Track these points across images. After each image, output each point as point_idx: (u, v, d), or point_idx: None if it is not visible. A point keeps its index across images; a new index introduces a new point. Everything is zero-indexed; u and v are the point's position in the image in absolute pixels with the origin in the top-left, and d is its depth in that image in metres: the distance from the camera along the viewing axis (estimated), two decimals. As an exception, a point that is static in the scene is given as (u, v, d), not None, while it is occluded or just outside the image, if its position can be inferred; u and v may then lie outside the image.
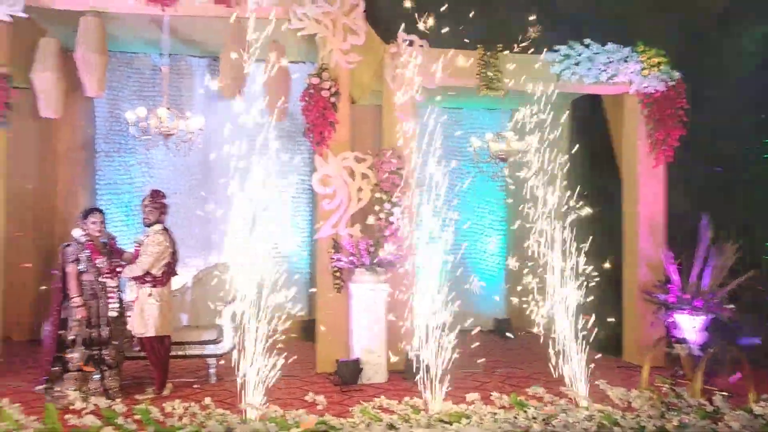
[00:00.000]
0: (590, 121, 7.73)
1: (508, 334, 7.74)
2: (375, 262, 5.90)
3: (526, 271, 5.01)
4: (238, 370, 3.92)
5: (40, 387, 4.92)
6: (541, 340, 4.64)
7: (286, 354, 4.14)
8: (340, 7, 6.12)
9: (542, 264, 4.86)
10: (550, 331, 4.71)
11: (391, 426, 3.34)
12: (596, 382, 4.48)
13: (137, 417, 3.33)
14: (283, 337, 4.21)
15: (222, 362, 5.64)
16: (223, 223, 7.76)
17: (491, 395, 4.12)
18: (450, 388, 4.26)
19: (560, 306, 4.70)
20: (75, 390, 4.71)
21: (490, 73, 6.54)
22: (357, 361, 5.76)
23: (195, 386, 5.48)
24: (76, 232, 5.05)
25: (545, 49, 6.57)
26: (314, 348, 6.23)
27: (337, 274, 6.12)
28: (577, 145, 6.38)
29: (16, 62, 5.92)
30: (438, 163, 4.95)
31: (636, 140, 6.97)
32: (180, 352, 5.57)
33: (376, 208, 6.17)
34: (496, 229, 9.12)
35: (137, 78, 7.85)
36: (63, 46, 6.26)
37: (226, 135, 6.46)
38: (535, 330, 4.67)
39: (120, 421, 3.20)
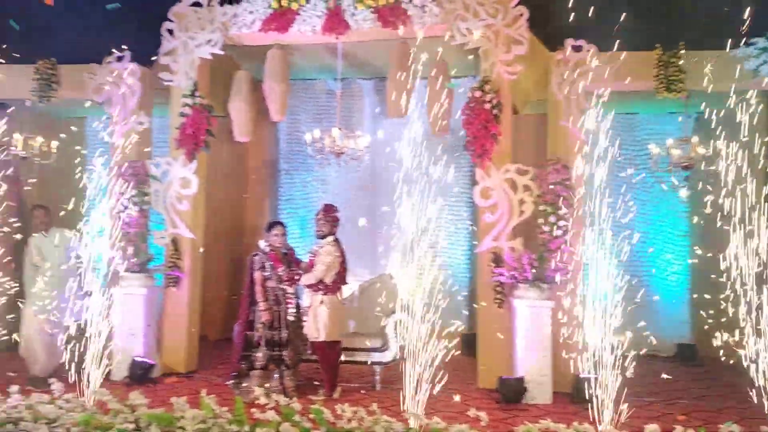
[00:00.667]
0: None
1: (692, 362, 6.93)
2: (539, 277, 5.69)
3: (721, 295, 4.44)
4: (403, 379, 4.03)
5: (230, 382, 5.54)
6: (740, 371, 4.07)
7: (446, 367, 4.17)
8: (503, 18, 6.06)
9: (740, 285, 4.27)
10: (751, 360, 4.12)
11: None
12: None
13: (312, 416, 3.58)
14: (445, 349, 4.24)
15: (385, 369, 5.83)
16: (388, 236, 8.09)
17: (674, 429, 3.71)
18: (625, 418, 3.93)
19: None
20: (258, 386, 5.22)
21: (669, 74, 5.97)
22: (521, 380, 5.58)
23: (362, 391, 5.74)
24: (261, 243, 5.62)
25: (730, 42, 5.83)
26: (474, 362, 6.16)
27: (499, 288, 6.00)
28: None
29: (214, 94, 6.80)
30: (610, 172, 4.64)
31: None
32: (348, 358, 5.87)
33: (540, 220, 5.95)
34: (678, 244, 8.24)
35: (314, 102, 8.54)
36: (254, 77, 7.05)
37: (392, 152, 6.78)
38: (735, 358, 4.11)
39: (297, 418, 3.46)
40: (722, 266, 4.37)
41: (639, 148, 7.93)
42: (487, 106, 5.96)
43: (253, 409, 3.65)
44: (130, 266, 6.08)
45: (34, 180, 7.03)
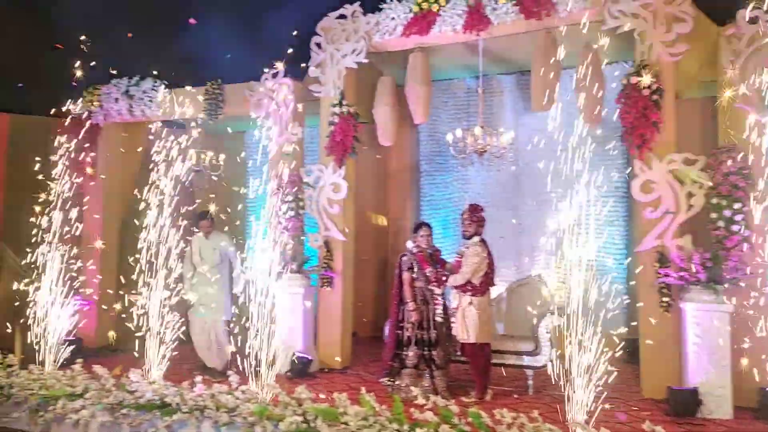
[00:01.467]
0: None
1: None
2: (713, 278, 5.11)
3: None
4: (561, 384, 3.85)
5: (383, 378, 5.68)
6: None
7: (608, 375, 3.89)
8: (662, -4, 5.55)
9: None
10: None
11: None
12: None
13: (470, 420, 3.53)
14: (607, 356, 3.97)
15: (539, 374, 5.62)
16: (535, 235, 7.81)
17: None
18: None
19: None
20: (411, 385, 5.30)
21: None
22: (695, 392, 5.05)
23: (514, 396, 5.58)
24: (409, 244, 5.70)
25: None
26: (637, 370, 5.71)
27: (665, 291, 5.49)
28: None
29: (359, 101, 7.05)
30: None
31: None
32: (498, 361, 5.75)
33: (713, 215, 5.34)
34: None
35: (454, 102, 8.51)
36: (396, 82, 7.21)
37: (536, 147, 6.53)
38: None
39: (455, 420, 3.45)
40: None
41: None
42: (646, 92, 5.49)
43: (412, 409, 3.69)
44: (290, 267, 6.50)
45: (206, 188, 7.80)
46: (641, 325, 5.71)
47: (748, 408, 5.02)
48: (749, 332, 5.13)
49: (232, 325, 6.23)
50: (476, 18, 6.07)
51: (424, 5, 6.30)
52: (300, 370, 6.28)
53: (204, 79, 7.50)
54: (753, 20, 5.43)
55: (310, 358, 6.42)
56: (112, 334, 7.84)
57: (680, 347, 5.37)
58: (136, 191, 5.50)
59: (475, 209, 5.62)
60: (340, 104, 6.69)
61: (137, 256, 5.27)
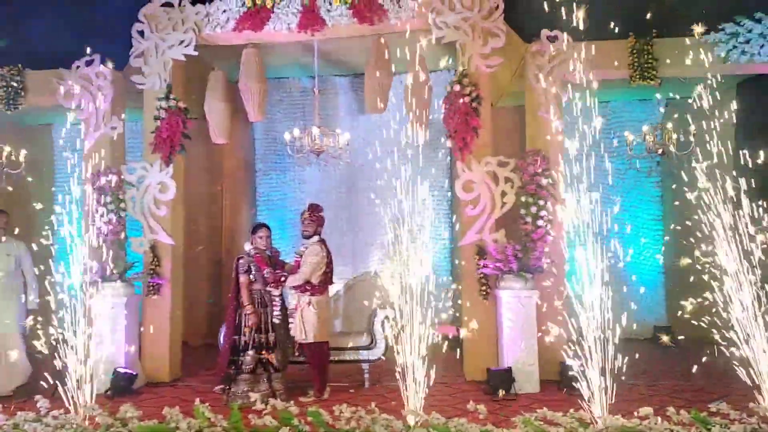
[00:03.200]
0: (763, 105, 6.88)
1: (668, 341, 7.11)
2: (523, 267, 5.75)
3: (692, 278, 4.58)
4: (397, 376, 4.04)
5: (218, 387, 5.45)
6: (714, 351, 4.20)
7: (435, 361, 4.17)
8: (479, 11, 6.09)
9: (712, 266, 4.40)
10: (726, 339, 4.25)
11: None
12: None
13: (309, 419, 3.54)
14: (435, 342, 4.25)
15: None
16: (370, 232, 8.08)
17: (667, 411, 3.78)
18: (611, 401, 4.00)
19: (738, 310, 4.21)
20: (246, 390, 5.16)
21: (643, 62, 6.09)
22: (509, 370, 5.64)
23: (350, 390, 5.72)
24: (247, 246, 5.53)
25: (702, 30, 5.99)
26: (458, 355, 6.18)
27: (483, 280, 6.05)
28: (746, 133, 5.72)
29: (189, 96, 6.66)
30: (587, 161, 4.70)
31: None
32: (336, 358, 5.85)
33: (522, 211, 6.01)
34: (653, 229, 8.44)
35: (289, 100, 8.46)
36: (228, 78, 6.93)
37: (369, 148, 6.76)
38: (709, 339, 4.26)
39: (295, 422, 3.42)
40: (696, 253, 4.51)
41: (612, 135, 8.08)
42: (467, 99, 5.98)
43: (250, 415, 3.59)
44: (108, 275, 5.92)
45: (6, 187, 6.80)
46: (463, 313, 6.21)
47: (552, 381, 5.72)
48: (552, 314, 5.85)
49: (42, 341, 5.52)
50: (311, 18, 6.09)
51: (258, 0, 6.15)
52: (123, 388, 5.74)
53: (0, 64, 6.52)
54: (553, 39, 6.20)
55: (133, 372, 5.90)
56: None
57: (497, 331, 5.94)
58: None
59: (315, 208, 5.63)
60: (167, 98, 6.25)
61: None
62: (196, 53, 6.38)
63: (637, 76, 6.14)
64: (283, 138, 6.69)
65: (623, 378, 4.20)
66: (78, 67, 6.43)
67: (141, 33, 6.41)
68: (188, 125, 6.36)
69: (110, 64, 6.42)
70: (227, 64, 6.91)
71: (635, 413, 3.78)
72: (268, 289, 5.43)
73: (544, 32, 6.17)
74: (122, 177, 6.26)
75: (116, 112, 6.48)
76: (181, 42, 6.32)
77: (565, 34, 6.13)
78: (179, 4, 6.39)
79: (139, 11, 6.38)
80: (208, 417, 3.56)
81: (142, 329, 6.29)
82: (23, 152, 6.35)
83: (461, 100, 5.98)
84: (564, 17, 5.48)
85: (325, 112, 8.29)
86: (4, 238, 5.75)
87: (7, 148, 6.21)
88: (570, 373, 4.55)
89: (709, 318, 4.52)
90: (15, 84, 6.46)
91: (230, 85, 6.88)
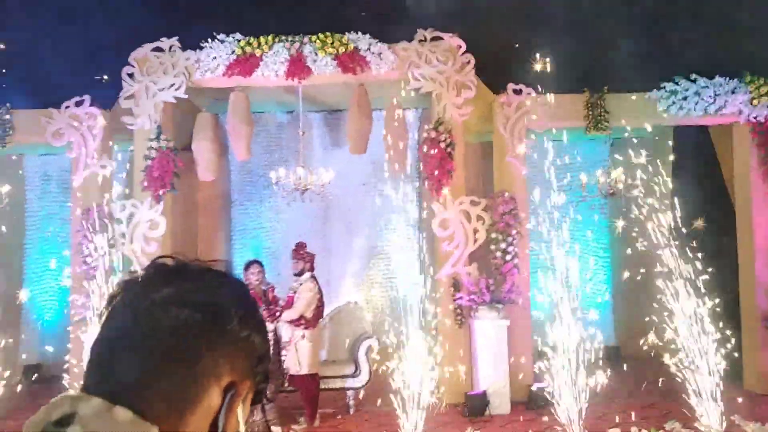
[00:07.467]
0: (696, 149, 7.82)
1: (616, 363, 7.87)
2: (495, 298, 6.33)
3: (636, 302, 5.33)
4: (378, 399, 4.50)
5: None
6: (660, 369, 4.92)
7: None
8: (453, 65, 6.67)
9: (658, 293, 5.18)
10: (670, 358, 5.00)
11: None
12: (732, 417, 4.65)
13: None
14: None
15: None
16: (344, 261, 8.47)
17: (631, 431, 4.41)
18: (580, 420, 4.62)
19: (683, 333, 4.97)
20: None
21: (596, 114, 6.84)
22: (484, 394, 6.18)
23: (338, 417, 6.10)
24: (241, 283, 5.82)
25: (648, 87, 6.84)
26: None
27: (458, 310, 6.58)
28: (683, 173, 6.61)
29: (176, 132, 6.89)
30: (548, 198, 5.47)
31: (748, 169, 7.01)
32: (324, 386, 6.20)
33: (492, 247, 6.60)
34: (601, 256, 9.26)
35: (265, 134, 8.74)
36: (215, 117, 7.20)
37: (343, 180, 7.17)
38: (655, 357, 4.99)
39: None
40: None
41: (563, 172, 8.84)
42: (442, 145, 6.54)
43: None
44: (100, 312, 6.05)
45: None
46: (441, 343, 6.71)
47: (521, 402, 6.30)
48: (521, 341, 6.46)
49: None
50: (298, 67, 6.49)
51: (248, 48, 6.50)
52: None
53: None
54: (518, 92, 6.87)
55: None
56: None
57: (472, 359, 6.49)
58: None
59: (299, 247, 6.00)
60: (158, 139, 6.48)
61: None
62: (186, 96, 6.64)
63: (592, 127, 6.88)
64: (263, 172, 7.00)
65: (581, 398, 4.90)
66: (68, 107, 6.55)
67: (131, 75, 6.61)
68: (179, 164, 6.59)
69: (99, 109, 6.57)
70: (214, 101, 7.19)
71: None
72: (262, 324, 5.74)
73: (510, 86, 6.83)
74: (112, 215, 6.41)
75: (106, 150, 6.63)
76: (172, 85, 6.57)
77: (527, 88, 6.84)
78: (169, 50, 6.64)
79: (129, 54, 6.58)
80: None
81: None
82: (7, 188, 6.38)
83: (437, 146, 6.53)
84: (527, 72, 6.20)
85: (301, 146, 8.65)
86: None
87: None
88: (536, 394, 5.14)
89: (656, 338, 5.29)
90: (4, 123, 6.49)
91: (217, 125, 7.16)
